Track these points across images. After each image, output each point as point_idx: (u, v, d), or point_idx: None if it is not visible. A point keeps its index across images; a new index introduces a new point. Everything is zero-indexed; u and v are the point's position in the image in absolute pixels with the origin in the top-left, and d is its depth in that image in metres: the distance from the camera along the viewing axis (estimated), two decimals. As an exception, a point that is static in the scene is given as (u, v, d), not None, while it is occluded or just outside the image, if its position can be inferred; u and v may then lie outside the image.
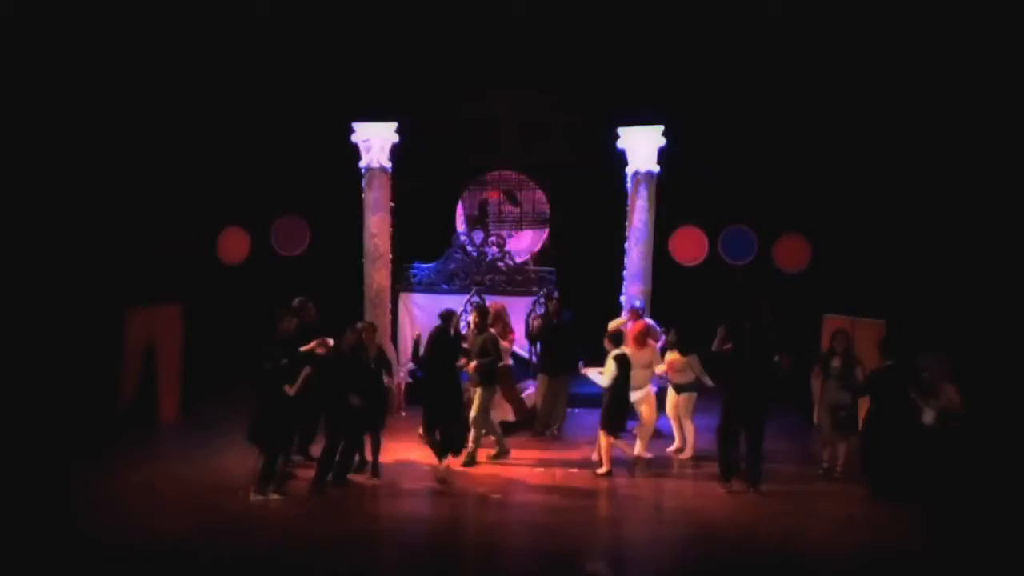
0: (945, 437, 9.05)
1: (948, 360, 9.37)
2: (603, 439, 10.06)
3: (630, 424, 10.22)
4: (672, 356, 10.81)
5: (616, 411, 9.90)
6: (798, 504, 9.27)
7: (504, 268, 13.30)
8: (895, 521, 8.75)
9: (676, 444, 11.10)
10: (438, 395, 9.94)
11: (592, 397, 11.28)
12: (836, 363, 9.97)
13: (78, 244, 12.86)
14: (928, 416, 9.14)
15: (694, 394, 10.79)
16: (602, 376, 9.89)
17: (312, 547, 8.00)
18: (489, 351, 10.35)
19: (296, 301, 10.12)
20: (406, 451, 10.75)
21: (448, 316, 10.26)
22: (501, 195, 15.65)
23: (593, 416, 11.86)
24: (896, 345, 9.67)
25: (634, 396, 10.17)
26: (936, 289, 12.41)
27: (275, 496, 9.09)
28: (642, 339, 10.43)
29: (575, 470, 10.29)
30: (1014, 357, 11.37)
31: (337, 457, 9.45)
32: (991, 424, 10.49)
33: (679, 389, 10.85)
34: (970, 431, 9.28)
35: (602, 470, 10.09)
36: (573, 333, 11.64)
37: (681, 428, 10.97)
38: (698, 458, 10.67)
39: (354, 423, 9.45)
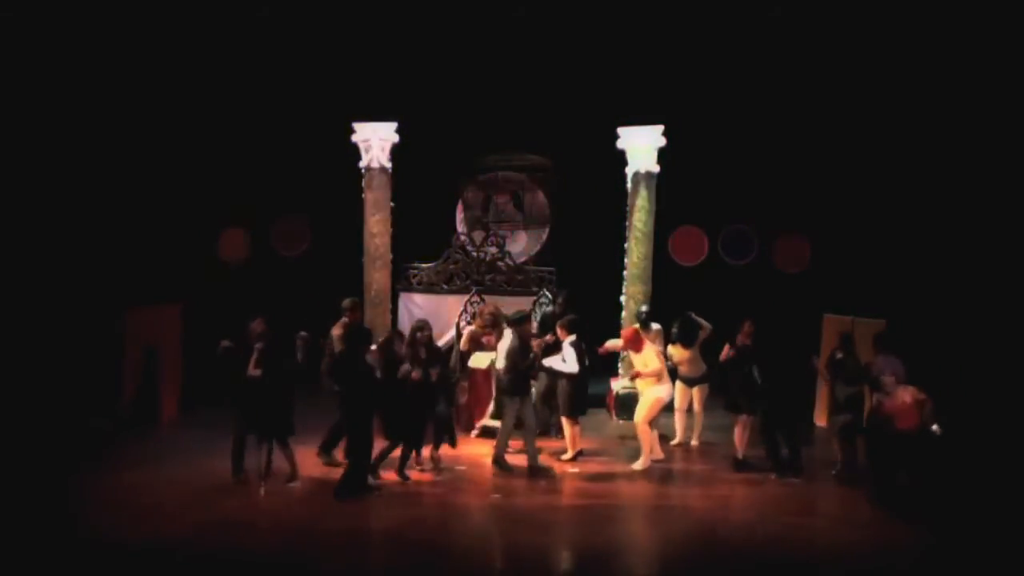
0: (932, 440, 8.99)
1: (903, 363, 9.38)
2: (567, 426, 10.44)
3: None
4: (675, 351, 10.89)
5: (576, 396, 10.32)
6: (798, 504, 9.28)
7: (504, 268, 13.29)
8: (895, 521, 8.73)
9: (678, 438, 11.20)
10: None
11: (592, 396, 11.27)
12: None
13: (79, 244, 12.86)
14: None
15: (706, 385, 11.02)
16: (565, 363, 10.11)
17: (312, 547, 7.99)
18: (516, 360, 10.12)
19: (347, 301, 10.25)
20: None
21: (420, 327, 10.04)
22: (505, 196, 15.65)
23: (594, 415, 11.88)
24: (898, 341, 9.78)
25: (662, 393, 10.23)
26: (936, 289, 12.40)
27: (262, 491, 9.14)
28: (633, 345, 10.38)
29: (575, 469, 10.31)
30: (1016, 357, 11.36)
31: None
32: (993, 424, 10.51)
33: (691, 382, 10.97)
34: (972, 431, 9.26)
35: (567, 456, 10.48)
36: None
37: (685, 420, 11.16)
38: (706, 444, 11.08)
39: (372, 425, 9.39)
